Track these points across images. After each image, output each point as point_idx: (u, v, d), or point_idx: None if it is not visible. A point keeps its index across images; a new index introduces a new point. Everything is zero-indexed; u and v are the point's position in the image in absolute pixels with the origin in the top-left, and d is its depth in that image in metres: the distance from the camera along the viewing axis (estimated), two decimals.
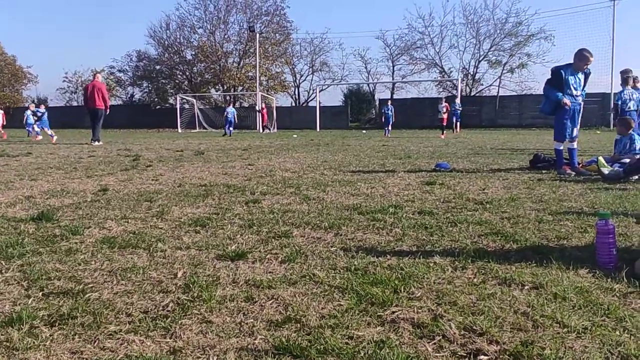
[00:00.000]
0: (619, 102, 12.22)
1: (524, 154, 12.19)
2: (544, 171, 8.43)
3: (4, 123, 24.09)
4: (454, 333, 2.13)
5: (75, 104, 62.09)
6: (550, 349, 1.96)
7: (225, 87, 55.38)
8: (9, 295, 2.65)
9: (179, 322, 2.29)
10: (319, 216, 4.69)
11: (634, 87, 11.96)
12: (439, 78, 53.07)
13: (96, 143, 17.36)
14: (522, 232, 3.98)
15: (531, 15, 50.18)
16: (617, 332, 2.13)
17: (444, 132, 26.66)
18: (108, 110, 18.14)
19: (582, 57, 8.08)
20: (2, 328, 2.23)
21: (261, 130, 36.31)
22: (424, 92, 53.14)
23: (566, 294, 2.55)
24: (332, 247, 3.60)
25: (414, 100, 47.42)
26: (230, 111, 32.03)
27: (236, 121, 33.71)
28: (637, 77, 12.20)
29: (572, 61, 8.23)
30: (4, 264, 3.19)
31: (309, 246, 3.62)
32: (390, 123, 29.53)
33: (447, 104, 28.90)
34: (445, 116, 27.76)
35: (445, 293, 2.61)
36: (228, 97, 52.41)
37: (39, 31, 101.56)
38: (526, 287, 2.69)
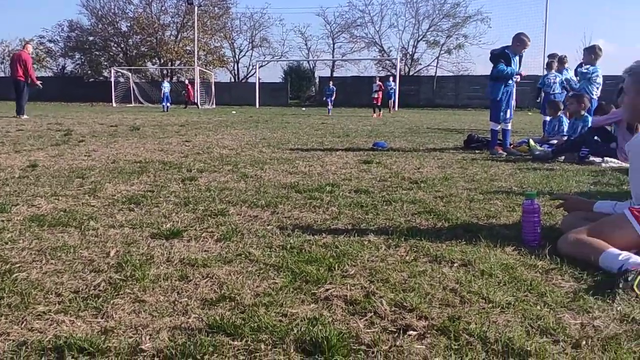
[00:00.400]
0: (542, 86, 12.70)
1: (459, 134, 12.49)
2: (477, 151, 8.69)
3: None
4: (385, 309, 2.18)
5: (1, 74, 59.28)
6: (476, 324, 2.04)
7: (162, 61, 54.11)
8: None
9: (111, 301, 2.26)
10: (256, 194, 4.69)
11: (559, 70, 12.38)
12: (378, 57, 53.48)
13: (22, 117, 16.64)
14: (454, 211, 4.10)
15: None
16: (538, 307, 2.23)
17: (379, 111, 26.12)
18: (33, 84, 17.32)
19: (520, 41, 8.40)
20: None
21: (184, 107, 35.29)
22: (363, 70, 53.42)
23: (492, 271, 2.65)
24: (268, 225, 3.61)
25: (354, 78, 47.59)
26: (167, 86, 31.34)
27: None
28: (563, 57, 12.62)
29: (509, 44, 8.48)
30: None
31: (245, 224, 3.62)
32: (331, 102, 29.29)
33: (380, 83, 28.55)
34: (378, 96, 27.24)
35: (378, 270, 2.67)
36: (165, 71, 51.23)
37: None
38: (455, 265, 2.78)
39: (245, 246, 3.09)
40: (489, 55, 8.71)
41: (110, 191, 4.74)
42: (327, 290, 2.41)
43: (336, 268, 2.69)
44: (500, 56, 8.42)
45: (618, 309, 2.21)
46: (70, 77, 56.79)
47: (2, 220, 3.60)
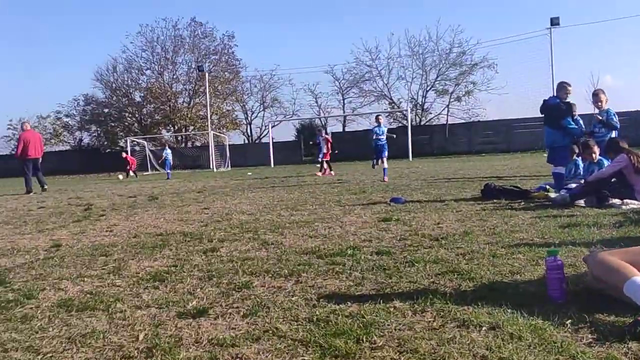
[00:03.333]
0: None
1: (474, 183, 12.49)
2: (495, 200, 8.66)
3: None
4: None
5: None
6: None
7: (177, 128, 55.11)
8: None
9: None
10: (279, 263, 4.71)
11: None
12: (388, 109, 54.02)
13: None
14: (477, 269, 4.08)
15: (474, 45, 51.68)
16: None
17: (323, 170, 22.05)
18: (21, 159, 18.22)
19: (565, 89, 9.20)
20: None
21: (124, 177, 33.93)
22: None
23: (522, 333, 2.63)
24: (293, 296, 3.62)
25: (366, 132, 48.03)
26: (169, 152, 31.74)
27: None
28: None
29: (555, 93, 9.40)
30: None
31: (270, 297, 3.63)
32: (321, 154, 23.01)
33: (327, 136, 24.31)
34: (327, 150, 22.65)
35: (406, 340, 2.66)
36: (179, 138, 52.13)
37: None
38: (484, 329, 2.76)
39: (272, 321, 3.10)
40: (542, 104, 9.42)
41: (134, 269, 4.79)
42: None
43: (364, 340, 2.69)
44: (559, 109, 9.08)
45: None
46: (87, 149, 57.99)
47: (31, 308, 3.65)
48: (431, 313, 3.07)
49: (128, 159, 34.65)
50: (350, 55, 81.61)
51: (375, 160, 20.98)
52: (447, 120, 50.73)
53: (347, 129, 55.01)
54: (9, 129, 61.39)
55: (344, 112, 56.35)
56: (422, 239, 5.52)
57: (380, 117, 18.98)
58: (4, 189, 21.35)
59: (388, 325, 2.90)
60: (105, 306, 3.59)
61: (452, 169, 20.57)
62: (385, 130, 18.32)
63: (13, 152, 60.76)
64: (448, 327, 2.84)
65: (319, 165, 23.46)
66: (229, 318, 3.22)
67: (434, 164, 26.48)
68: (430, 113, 54.27)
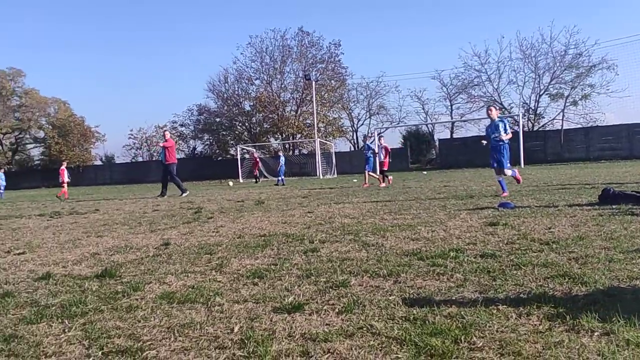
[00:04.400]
0: None
1: (591, 189, 11.76)
2: (614, 206, 8.08)
3: (68, 180, 24.71)
4: None
5: (140, 159, 64.51)
6: None
7: (284, 136, 56.29)
8: (70, 355, 2.70)
9: None
10: (378, 263, 4.62)
11: None
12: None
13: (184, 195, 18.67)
14: (591, 273, 3.79)
15: (591, 46, 48.78)
16: None
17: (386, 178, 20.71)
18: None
19: None
20: None
21: (255, 181, 35.42)
22: (484, 130, 52.45)
23: (639, 340, 2.39)
24: (390, 295, 3.52)
25: (474, 138, 46.87)
26: (283, 159, 32.20)
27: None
28: None
29: None
30: (67, 322, 3.26)
31: (367, 295, 3.55)
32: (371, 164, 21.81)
33: (386, 145, 21.89)
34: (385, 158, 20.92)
35: (508, 342, 2.49)
36: (287, 145, 53.24)
37: (104, 91, 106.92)
38: (596, 334, 2.53)
39: (367, 318, 3.01)
40: None
41: (235, 266, 4.87)
42: None
43: (462, 340, 2.54)
44: None
45: None
46: (200, 157, 60.65)
47: (137, 299, 3.79)
48: (537, 316, 2.87)
49: (256, 159, 35.62)
50: (458, 60, 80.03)
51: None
52: (562, 125, 48.27)
53: (455, 135, 53.79)
54: (129, 138, 65.55)
55: (451, 119, 55.16)
56: (531, 243, 5.22)
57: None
58: (125, 194, 22.69)
59: (489, 327, 2.73)
60: (205, 299, 3.66)
61: (567, 176, 19.53)
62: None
63: (133, 160, 65.01)
64: (556, 331, 2.63)
65: (376, 176, 22.39)
66: (323, 314, 3.17)
67: (548, 171, 25.27)
68: (544, 118, 51.90)
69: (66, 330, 3.11)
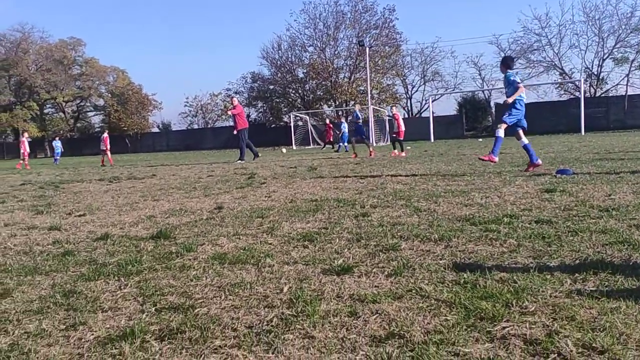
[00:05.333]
0: None
1: None
2: None
3: (109, 147, 25.52)
4: (571, 350, 1.96)
5: (196, 126, 65.59)
6: None
7: (337, 103, 56.09)
8: (125, 310, 2.78)
9: (282, 337, 2.29)
10: (429, 228, 4.57)
11: None
12: (559, 80, 50.65)
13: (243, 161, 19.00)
14: None
15: None
16: None
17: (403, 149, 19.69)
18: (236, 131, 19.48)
19: None
20: (116, 342, 2.34)
21: (323, 147, 35.04)
22: (543, 95, 50.94)
23: None
24: (441, 260, 3.48)
25: (532, 105, 45.57)
26: (345, 126, 31.86)
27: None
28: None
29: None
30: (123, 280, 3.37)
31: (417, 259, 3.52)
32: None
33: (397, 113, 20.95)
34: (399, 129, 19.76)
35: (562, 307, 2.42)
36: (340, 112, 53.07)
37: (160, 59, 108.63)
38: None
39: (417, 281, 2.99)
40: None
41: (286, 229, 4.91)
42: (503, 328, 2.23)
43: (514, 304, 2.49)
44: None
45: None
46: (254, 124, 61.16)
47: (189, 259, 3.87)
48: (594, 282, 2.78)
49: (329, 126, 35.52)
50: (517, 24, 77.37)
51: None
52: (626, 91, 46.39)
53: None
54: (185, 105, 66.58)
55: None
56: (590, 210, 5.06)
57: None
58: (182, 160, 23.15)
59: (542, 292, 2.67)
60: (255, 261, 3.70)
61: (630, 143, 18.80)
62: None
63: (189, 127, 66.12)
64: (613, 297, 2.54)
65: (354, 149, 20.18)
66: (372, 277, 3.16)
67: (610, 138, 24.38)
68: (607, 83, 49.98)
69: (122, 287, 3.21)
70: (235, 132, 19.07)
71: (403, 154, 18.97)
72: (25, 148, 27.67)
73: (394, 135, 20.45)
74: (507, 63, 9.71)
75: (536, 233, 4.10)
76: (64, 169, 22.29)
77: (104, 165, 23.65)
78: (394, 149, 20.09)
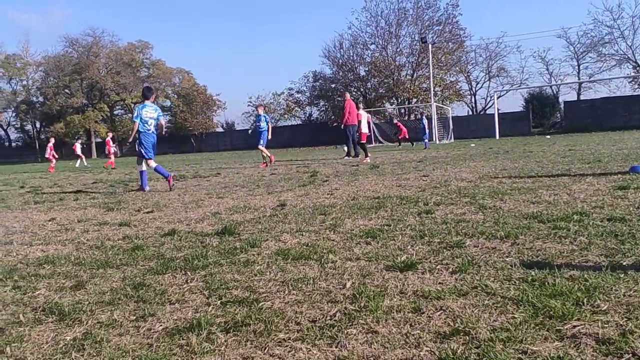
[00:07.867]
0: None
1: None
2: None
3: (115, 151, 26.93)
4: None
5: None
6: None
7: (400, 100, 55.67)
8: (192, 303, 2.85)
9: (345, 331, 2.29)
10: (495, 225, 4.47)
11: None
12: (633, 74, 48.61)
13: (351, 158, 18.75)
14: None
15: None
16: None
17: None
18: (343, 125, 19.13)
19: None
20: (183, 333, 2.40)
21: (398, 144, 34.56)
22: (615, 90, 49.01)
23: None
24: (507, 257, 3.40)
25: (604, 100, 43.92)
26: (426, 122, 31.31)
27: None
28: None
29: None
30: (189, 274, 3.45)
31: (482, 256, 3.45)
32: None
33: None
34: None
35: (636, 307, 2.33)
36: (402, 110, 52.66)
37: (224, 60, 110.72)
38: None
39: (482, 278, 2.93)
40: None
41: (349, 226, 4.91)
42: (574, 326, 2.16)
43: (585, 303, 2.41)
44: None
45: None
46: (316, 123, 61.46)
47: (254, 254, 3.93)
48: None
49: (401, 127, 35.20)
50: (587, 16, 74.65)
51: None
52: None
53: (582, 97, 50.74)
54: (248, 105, 67.59)
55: (579, 79, 51.96)
56: None
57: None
58: (244, 159, 23.49)
59: (615, 290, 2.57)
60: (318, 256, 3.72)
61: None
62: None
63: (252, 126, 67.19)
64: None
65: (266, 152, 17.97)
66: (437, 273, 3.12)
67: None
68: None
69: (188, 281, 3.29)
70: (342, 126, 18.96)
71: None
72: (110, 147, 28.80)
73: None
74: None
75: (608, 231, 3.95)
76: (132, 168, 23.02)
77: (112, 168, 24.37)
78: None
